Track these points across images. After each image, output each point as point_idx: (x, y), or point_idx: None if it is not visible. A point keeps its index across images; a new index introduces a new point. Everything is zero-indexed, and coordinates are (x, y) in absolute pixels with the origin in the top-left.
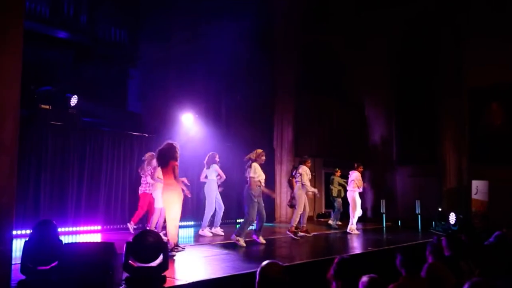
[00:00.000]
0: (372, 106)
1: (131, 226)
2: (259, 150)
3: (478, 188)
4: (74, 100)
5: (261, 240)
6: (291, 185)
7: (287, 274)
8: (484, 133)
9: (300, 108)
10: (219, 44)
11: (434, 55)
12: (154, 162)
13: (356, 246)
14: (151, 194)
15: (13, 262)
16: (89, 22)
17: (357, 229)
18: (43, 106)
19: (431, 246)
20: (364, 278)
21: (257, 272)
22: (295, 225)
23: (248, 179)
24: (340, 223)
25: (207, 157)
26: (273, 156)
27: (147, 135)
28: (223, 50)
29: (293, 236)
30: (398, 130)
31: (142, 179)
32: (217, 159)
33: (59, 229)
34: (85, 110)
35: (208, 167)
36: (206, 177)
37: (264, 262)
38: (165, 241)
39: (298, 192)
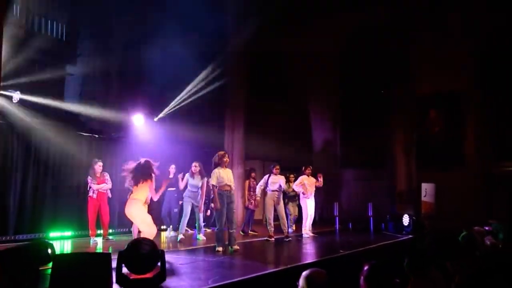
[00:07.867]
0: (318, 110)
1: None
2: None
3: (426, 190)
4: (17, 97)
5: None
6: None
7: (330, 283)
8: (427, 139)
9: (249, 112)
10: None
11: (381, 62)
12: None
13: (324, 250)
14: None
15: None
16: (22, 14)
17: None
18: None
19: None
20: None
21: (300, 280)
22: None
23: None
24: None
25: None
26: None
27: (97, 136)
28: (169, 51)
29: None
30: (343, 134)
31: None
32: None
33: None
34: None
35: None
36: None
37: (307, 271)
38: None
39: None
